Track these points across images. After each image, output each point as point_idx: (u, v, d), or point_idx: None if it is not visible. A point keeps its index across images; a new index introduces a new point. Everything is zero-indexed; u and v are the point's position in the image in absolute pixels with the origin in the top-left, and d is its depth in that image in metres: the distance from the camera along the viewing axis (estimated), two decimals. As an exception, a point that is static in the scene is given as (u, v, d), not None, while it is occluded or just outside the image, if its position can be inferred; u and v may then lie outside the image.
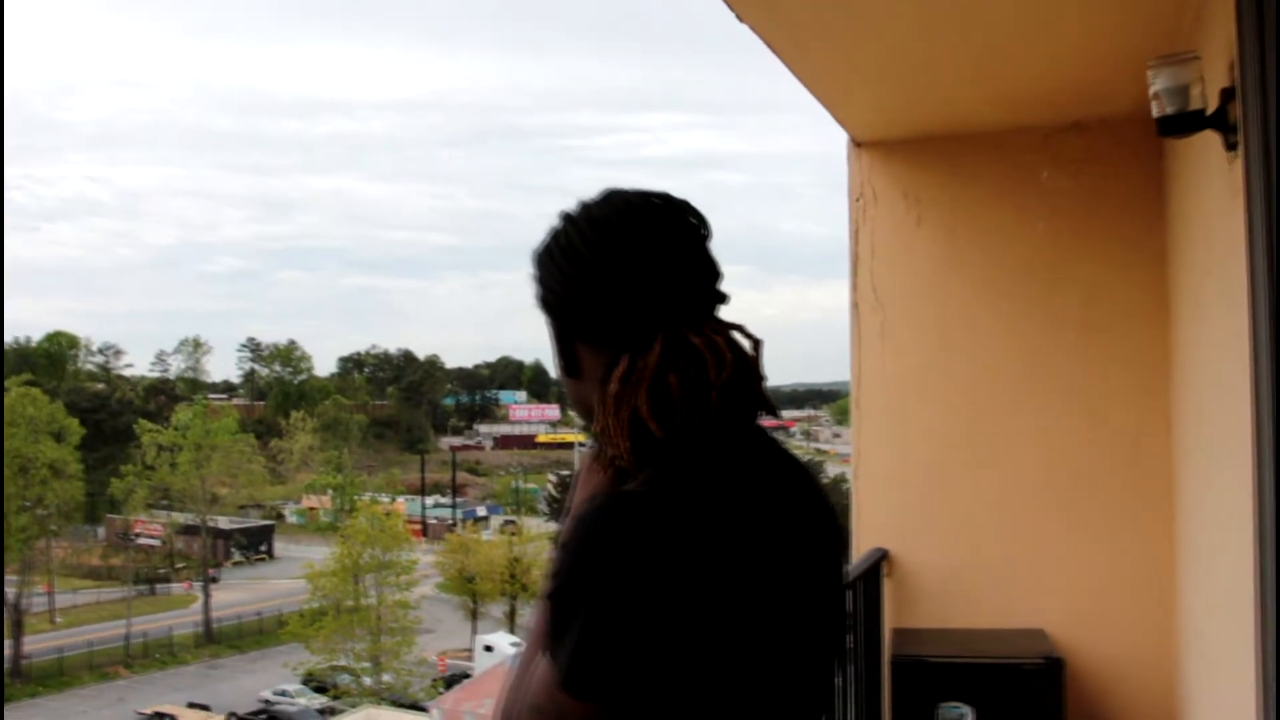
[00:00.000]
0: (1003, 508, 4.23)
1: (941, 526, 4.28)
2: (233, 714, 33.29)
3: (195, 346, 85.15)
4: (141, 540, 52.32)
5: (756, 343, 1.31)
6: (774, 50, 3.41)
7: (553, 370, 1.38)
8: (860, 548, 4.26)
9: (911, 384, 4.36)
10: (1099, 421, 4.13)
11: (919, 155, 4.43)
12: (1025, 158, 4.27)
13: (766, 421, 1.34)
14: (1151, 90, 2.73)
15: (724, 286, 1.32)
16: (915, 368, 4.35)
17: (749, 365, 1.29)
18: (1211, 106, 2.60)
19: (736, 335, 1.30)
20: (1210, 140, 2.63)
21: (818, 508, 1.32)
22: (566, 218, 1.32)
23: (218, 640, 43.39)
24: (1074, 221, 4.21)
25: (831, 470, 49.85)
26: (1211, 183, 2.81)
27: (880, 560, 4.14)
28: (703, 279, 1.30)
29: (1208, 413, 3.13)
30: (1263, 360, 2.00)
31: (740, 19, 3.12)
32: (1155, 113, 2.73)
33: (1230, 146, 2.47)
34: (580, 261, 1.28)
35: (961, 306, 4.34)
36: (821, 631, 1.30)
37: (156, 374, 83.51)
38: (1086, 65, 3.68)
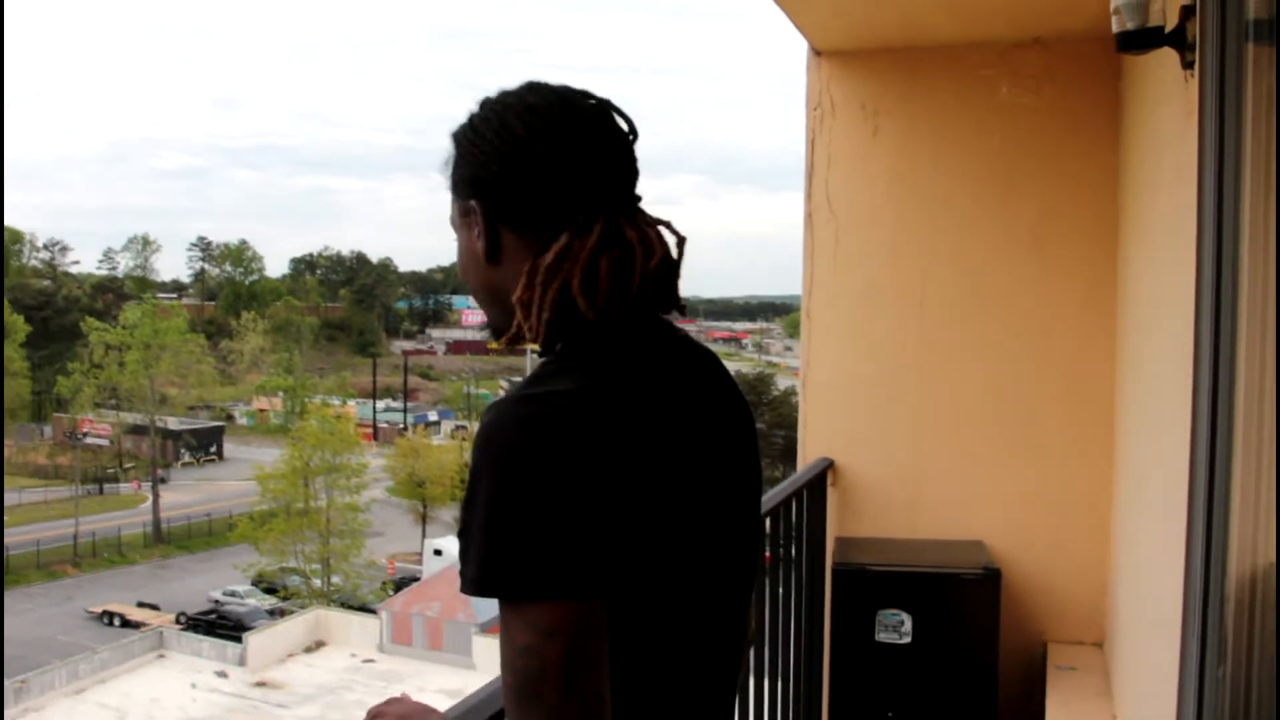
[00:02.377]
0: (948, 421, 4.28)
1: (887, 438, 4.33)
2: (182, 614, 33.44)
3: (144, 244, 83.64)
4: (89, 440, 51.89)
5: (681, 240, 1.35)
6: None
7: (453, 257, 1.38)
8: (806, 457, 4.30)
9: (862, 296, 4.37)
10: (1045, 338, 4.18)
11: (878, 66, 4.38)
12: (983, 72, 4.24)
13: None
14: (1112, 5, 2.70)
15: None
16: (866, 280, 4.36)
17: (672, 261, 1.32)
18: (1171, 24, 2.58)
19: (664, 230, 1.33)
20: (1168, 58, 2.62)
21: (729, 398, 1.37)
22: (495, 103, 1.32)
23: (167, 541, 43.40)
24: (1029, 138, 4.20)
25: (782, 383, 50.31)
26: (1167, 102, 2.81)
27: (825, 469, 4.19)
28: (630, 176, 1.32)
29: (1150, 332, 3.17)
30: (1206, 281, 2.02)
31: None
32: (1115, 28, 2.70)
33: (1187, 65, 2.45)
34: (519, 143, 1.27)
35: (915, 219, 4.33)
36: (739, 521, 1.34)
37: (104, 272, 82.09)
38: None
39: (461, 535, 1.15)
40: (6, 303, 47.77)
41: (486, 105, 1.32)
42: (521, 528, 1.10)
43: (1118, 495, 3.96)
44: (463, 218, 1.34)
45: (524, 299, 1.25)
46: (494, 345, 1.36)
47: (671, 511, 1.20)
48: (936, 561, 3.93)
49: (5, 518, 44.25)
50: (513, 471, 1.11)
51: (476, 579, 1.11)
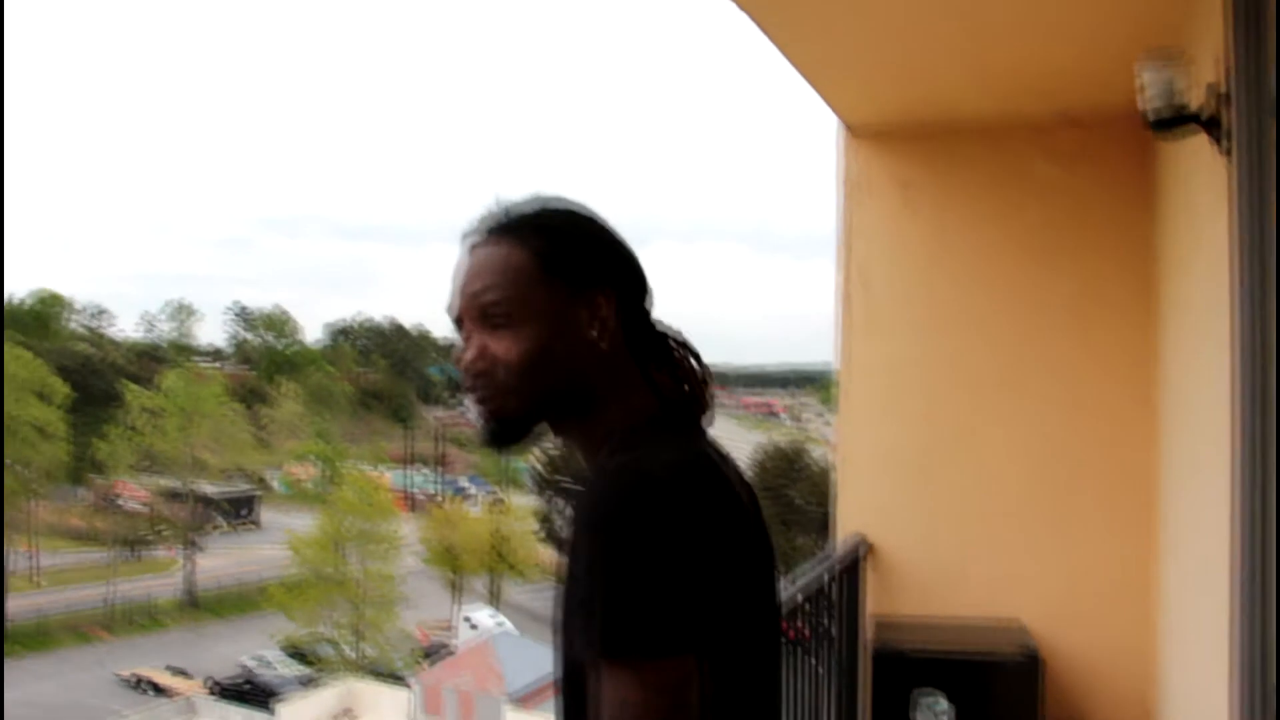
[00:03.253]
0: (985, 498, 4.24)
1: (924, 515, 4.29)
2: (212, 679, 33.32)
3: (183, 310, 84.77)
4: (125, 504, 52.16)
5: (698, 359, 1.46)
6: (769, 36, 3.41)
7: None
8: (842, 534, 4.27)
9: (897, 372, 4.36)
10: (1083, 415, 4.15)
11: (911, 143, 4.42)
12: (1017, 149, 4.28)
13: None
14: (1139, 86, 2.73)
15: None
16: (901, 355, 4.35)
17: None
18: (1198, 102, 2.60)
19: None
20: (1203, 142, 2.64)
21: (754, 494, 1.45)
22: (563, 203, 1.41)
23: (200, 606, 43.39)
24: (1064, 214, 4.22)
25: (816, 453, 49.94)
26: (1201, 182, 2.82)
27: (861, 547, 4.15)
28: None
29: (1190, 411, 3.15)
30: (1244, 363, 2.01)
31: (739, 6, 3.11)
32: (1141, 106, 2.73)
33: (1219, 146, 2.47)
34: (622, 241, 1.41)
35: (949, 295, 4.34)
36: (776, 589, 1.41)
37: (144, 337, 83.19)
38: (1078, 55, 3.67)
39: (580, 603, 1.18)
40: (48, 366, 48.29)
41: (558, 203, 1.40)
42: (643, 590, 1.15)
43: (1161, 576, 3.89)
44: (567, 308, 1.35)
45: (616, 382, 1.36)
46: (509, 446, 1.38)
47: (746, 575, 1.28)
48: (976, 644, 3.86)
49: (42, 581, 44.55)
50: (632, 536, 1.17)
51: (604, 642, 1.15)
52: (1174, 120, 2.69)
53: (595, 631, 1.15)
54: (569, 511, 1.24)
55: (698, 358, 1.43)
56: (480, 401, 1.35)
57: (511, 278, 1.34)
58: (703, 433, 1.39)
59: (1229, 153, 2.33)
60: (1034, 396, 4.20)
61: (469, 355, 1.35)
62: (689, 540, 1.18)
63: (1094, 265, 4.17)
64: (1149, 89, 2.73)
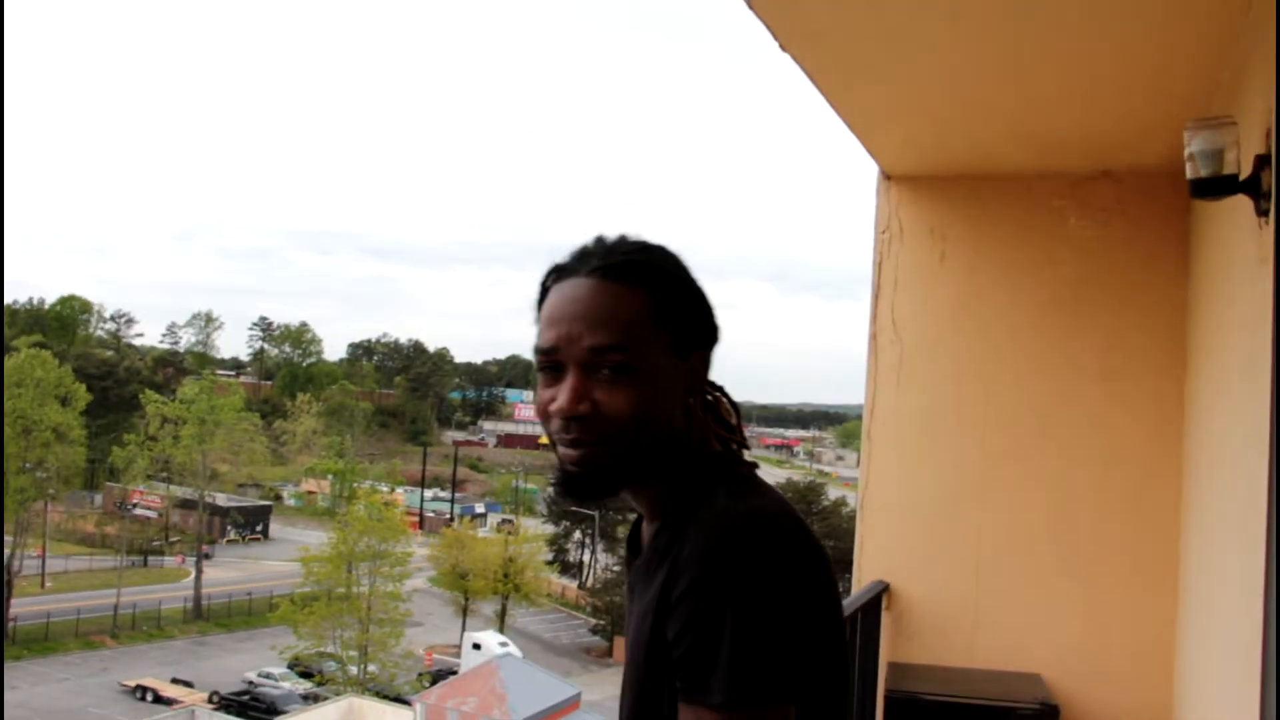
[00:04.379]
0: (1007, 549, 4.24)
1: (944, 563, 4.29)
2: (215, 693, 33.30)
3: (207, 321, 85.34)
4: (138, 511, 52.38)
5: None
6: (814, 82, 3.45)
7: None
8: (862, 579, 4.27)
9: (924, 419, 4.37)
10: (1109, 470, 4.15)
11: (947, 192, 4.45)
12: (1053, 202, 4.29)
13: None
14: (1187, 152, 2.74)
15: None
16: (929, 403, 4.37)
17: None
18: (1245, 171, 2.62)
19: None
20: (1241, 204, 2.65)
21: None
22: (667, 251, 1.39)
23: (207, 617, 43.43)
24: (1098, 269, 4.23)
25: (833, 493, 49.79)
26: (1240, 246, 2.83)
27: (881, 592, 4.15)
28: None
29: (1220, 473, 3.14)
30: (1281, 428, 2.02)
31: (783, 48, 3.15)
32: (1189, 174, 2.74)
33: (1262, 213, 2.49)
34: (694, 284, 1.39)
35: (980, 345, 4.35)
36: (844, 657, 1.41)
37: (166, 345, 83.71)
38: (1121, 117, 3.70)
39: (702, 651, 1.19)
40: (70, 370, 48.61)
41: (659, 248, 1.39)
42: (768, 640, 1.18)
43: (1181, 636, 3.88)
44: (673, 366, 1.34)
45: (693, 436, 1.37)
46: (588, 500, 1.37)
47: (834, 622, 1.33)
48: (992, 694, 3.85)
49: (50, 584, 44.65)
50: (755, 585, 1.20)
51: (730, 690, 1.17)
52: (1216, 184, 2.71)
53: (716, 678, 1.17)
54: (666, 553, 1.27)
55: (732, 400, 1.46)
56: (575, 449, 1.31)
57: (629, 327, 1.31)
58: (759, 477, 1.38)
59: (1270, 217, 2.34)
60: (1061, 449, 4.20)
61: (570, 401, 1.29)
62: (804, 590, 1.24)
63: (1126, 320, 4.17)
64: (1196, 153, 2.75)
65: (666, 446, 1.34)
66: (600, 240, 1.37)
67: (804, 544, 1.27)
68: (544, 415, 1.33)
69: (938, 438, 4.35)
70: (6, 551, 39.89)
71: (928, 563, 4.29)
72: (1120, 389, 4.15)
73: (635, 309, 1.31)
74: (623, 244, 1.37)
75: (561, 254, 1.38)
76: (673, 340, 1.33)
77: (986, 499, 4.26)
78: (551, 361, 1.32)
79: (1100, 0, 2.81)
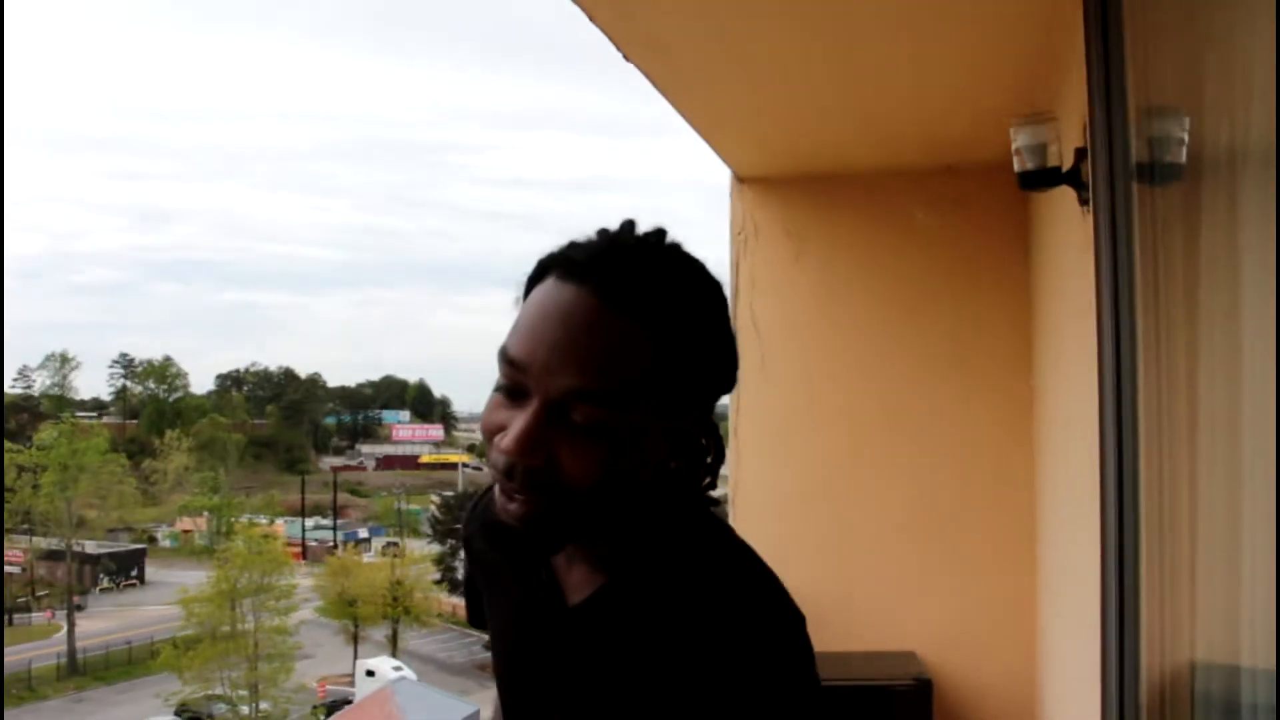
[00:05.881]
0: (876, 537, 4.38)
1: (816, 553, 4.41)
2: (98, 747, 32.06)
3: (63, 362, 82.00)
4: None
5: None
6: (659, 89, 3.51)
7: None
8: (740, 575, 4.35)
9: (789, 415, 4.49)
10: (966, 453, 4.32)
11: (799, 192, 4.58)
12: (900, 199, 4.45)
13: None
14: (1014, 146, 2.90)
15: None
16: (793, 400, 4.49)
17: None
18: (1067, 164, 2.78)
19: None
20: (1067, 194, 2.81)
21: None
22: (682, 258, 1.14)
23: (83, 672, 41.64)
24: (945, 262, 4.40)
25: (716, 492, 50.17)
26: (1068, 234, 3.00)
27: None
28: None
29: (1064, 456, 3.31)
30: (1108, 405, 2.16)
31: (626, 58, 3.20)
32: (1017, 167, 2.90)
33: (1084, 203, 2.65)
34: (720, 327, 1.15)
35: (837, 341, 4.49)
36: None
37: (19, 390, 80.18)
38: (956, 114, 3.86)
39: None
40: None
41: (692, 272, 1.13)
42: None
43: (1042, 604, 4.07)
44: (659, 432, 1.12)
45: (631, 498, 1.14)
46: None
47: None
48: (869, 674, 3.98)
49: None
50: (790, 684, 1.13)
51: None
52: (1041, 176, 2.87)
53: None
54: (652, 627, 1.14)
55: (719, 442, 1.24)
56: (515, 504, 1.10)
57: (622, 374, 1.06)
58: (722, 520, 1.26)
59: (1090, 206, 2.49)
60: (919, 438, 4.37)
61: (521, 447, 1.06)
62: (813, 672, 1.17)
63: (973, 311, 4.35)
64: (1022, 147, 2.91)
65: (627, 507, 1.13)
66: (618, 241, 1.12)
67: (798, 616, 1.19)
68: (489, 439, 1.11)
69: (803, 433, 4.48)
70: None
71: (801, 554, 4.40)
72: (972, 377, 4.33)
73: (634, 351, 1.06)
74: (645, 255, 1.11)
75: (571, 236, 1.13)
76: (669, 400, 1.10)
77: (853, 490, 4.40)
78: (512, 379, 1.08)
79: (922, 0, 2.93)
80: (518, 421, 1.06)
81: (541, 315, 1.07)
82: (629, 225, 1.13)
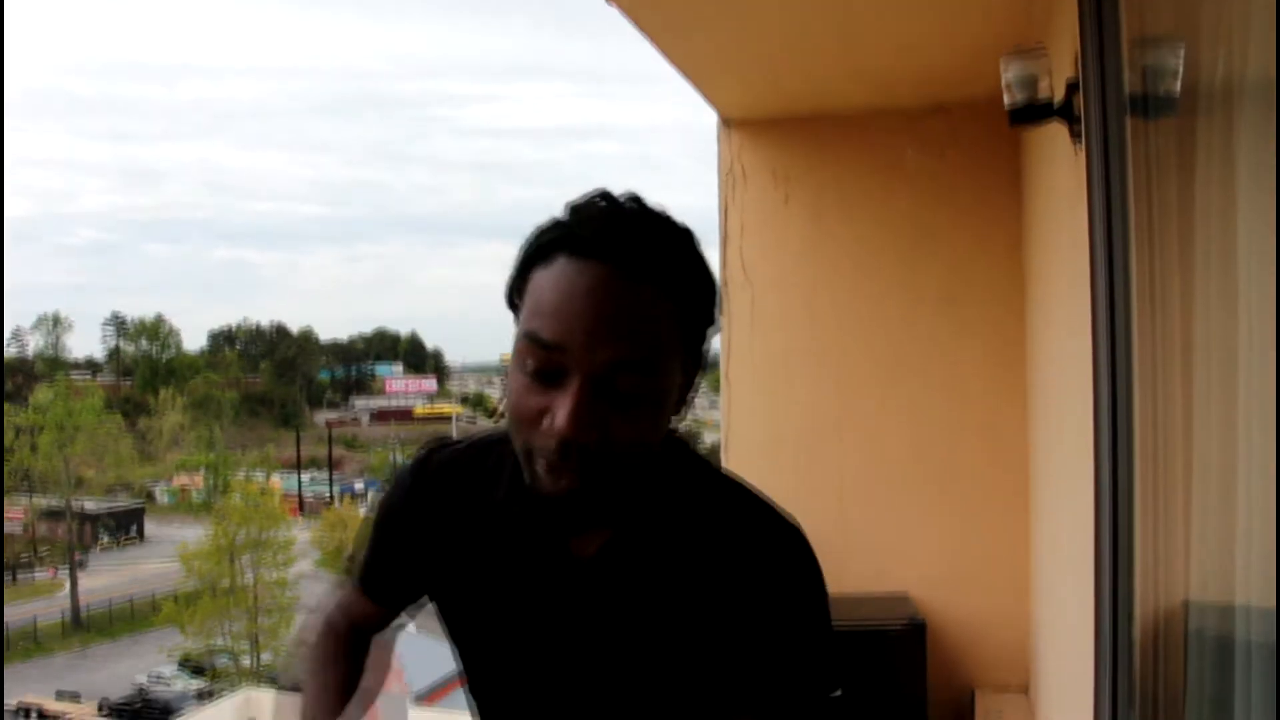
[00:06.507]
0: (868, 477, 4.38)
1: (810, 496, 4.40)
2: (105, 701, 32.33)
3: (55, 323, 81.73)
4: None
5: None
6: (643, 32, 3.45)
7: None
8: (733, 520, 4.35)
9: (780, 359, 4.47)
10: (959, 394, 4.31)
11: (787, 135, 4.52)
12: (890, 139, 4.40)
13: None
14: (1004, 81, 2.85)
15: None
16: (784, 343, 4.46)
17: None
18: (1059, 97, 2.73)
19: None
20: (1058, 130, 2.76)
21: None
22: (676, 226, 1.19)
23: (87, 627, 41.97)
24: (936, 201, 4.36)
25: (708, 438, 50.47)
26: (1060, 170, 2.95)
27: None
28: None
29: (1056, 389, 3.30)
30: (1101, 344, 2.13)
31: (609, 2, 3.14)
32: (1007, 103, 2.85)
33: (1075, 136, 2.60)
34: (715, 282, 1.24)
35: (828, 283, 4.46)
36: None
37: (13, 352, 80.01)
38: (947, 50, 3.80)
39: (801, 653, 1.25)
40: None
41: (687, 237, 1.19)
42: (832, 629, 1.27)
43: (1035, 543, 4.07)
44: (681, 388, 1.20)
45: (653, 438, 1.20)
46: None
47: None
48: (863, 616, 4.00)
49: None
50: (821, 585, 1.27)
51: (832, 679, 1.26)
52: (1032, 110, 2.81)
53: (819, 669, 1.25)
54: (685, 551, 1.24)
55: None
56: (570, 483, 1.13)
57: (657, 340, 1.13)
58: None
59: (1083, 141, 2.45)
60: (912, 380, 4.35)
61: (576, 426, 1.10)
62: None
63: (965, 250, 4.32)
64: (1012, 81, 2.85)
65: (649, 460, 1.21)
66: (619, 212, 1.16)
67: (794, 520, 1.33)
68: (528, 423, 1.13)
69: (793, 375, 4.46)
70: None
71: (794, 497, 4.32)
72: (964, 316, 4.30)
73: (664, 317, 1.13)
74: (645, 221, 1.16)
75: (562, 213, 1.17)
76: (689, 354, 1.18)
77: (844, 431, 4.39)
78: (548, 362, 1.11)
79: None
80: (565, 402, 1.10)
81: (569, 296, 1.10)
82: (608, 194, 1.17)
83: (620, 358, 1.10)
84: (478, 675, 1.39)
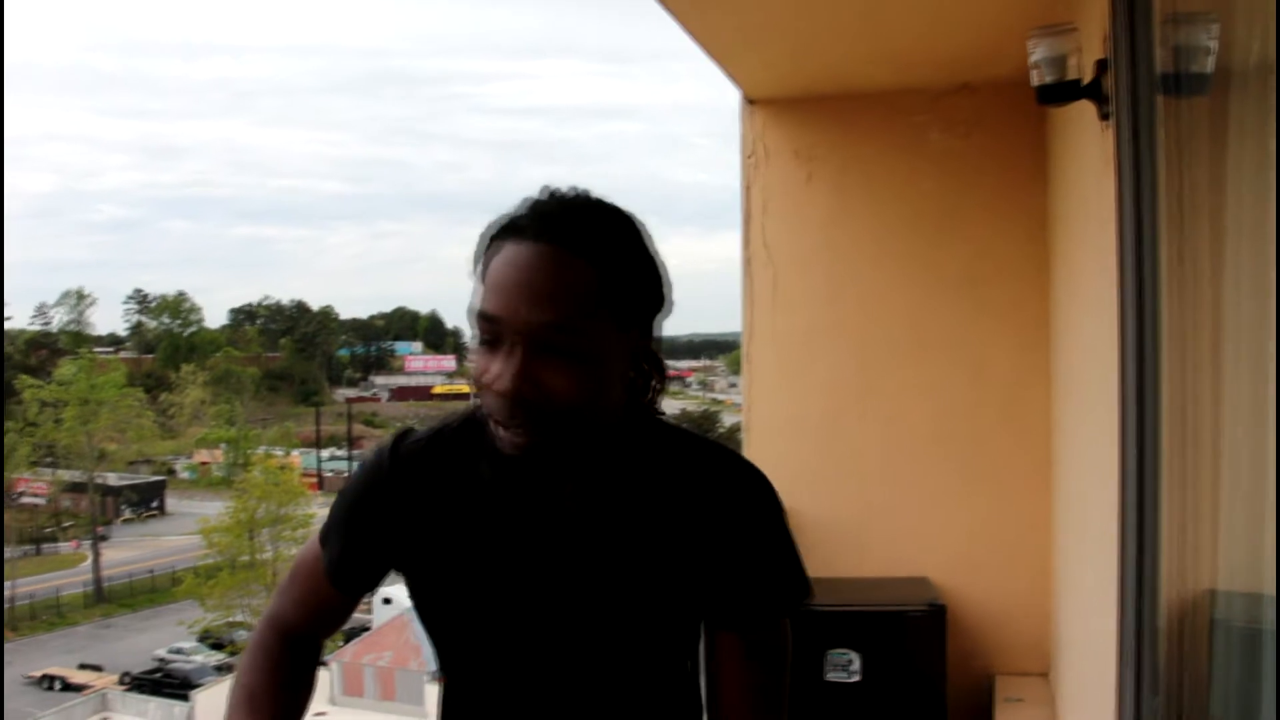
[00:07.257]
0: (891, 459, 4.35)
1: (831, 478, 4.39)
2: (126, 674, 32.67)
3: (79, 299, 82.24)
4: (25, 499, 50.66)
5: None
6: (667, 9, 3.42)
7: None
8: (752, 500, 4.34)
9: (802, 339, 4.44)
10: (982, 375, 4.27)
11: (810, 113, 4.48)
12: (914, 118, 4.35)
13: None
14: (1031, 60, 2.81)
15: None
16: (806, 323, 4.43)
17: None
18: (1087, 76, 2.69)
19: None
20: (1086, 109, 2.72)
21: None
22: (623, 216, 1.36)
23: (109, 599, 42.41)
24: (960, 181, 4.31)
25: (728, 420, 50.51)
26: (1087, 150, 2.91)
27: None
28: None
29: (1080, 371, 3.27)
30: (1128, 326, 2.10)
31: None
32: (1035, 81, 2.81)
33: (1104, 116, 2.56)
34: (647, 255, 1.37)
35: (851, 263, 4.43)
36: None
37: (37, 327, 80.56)
38: (973, 28, 3.75)
39: (776, 568, 1.46)
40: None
41: (612, 210, 1.35)
42: (796, 547, 1.48)
43: (1057, 528, 4.04)
44: (617, 345, 1.33)
45: (604, 406, 1.36)
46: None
47: None
48: (883, 599, 3.98)
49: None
50: (781, 510, 1.46)
51: (806, 591, 1.49)
52: (1060, 89, 2.78)
53: (794, 584, 1.47)
54: (659, 501, 1.39)
55: (661, 363, 1.48)
56: (517, 435, 1.29)
57: (580, 303, 1.27)
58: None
59: (1111, 120, 2.41)
60: (936, 359, 4.31)
61: (512, 381, 1.26)
62: None
63: (989, 231, 4.28)
64: (1040, 60, 2.82)
65: (606, 420, 1.37)
66: (552, 199, 1.32)
67: None
68: (480, 386, 1.30)
69: (815, 356, 4.43)
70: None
71: (815, 479, 4.39)
72: (988, 296, 4.27)
73: (588, 282, 1.27)
74: (577, 206, 1.32)
75: (508, 206, 1.33)
76: (618, 317, 1.31)
77: (866, 412, 4.36)
78: (492, 332, 1.28)
79: (940, -87, 2.83)
80: (502, 362, 1.27)
81: (507, 272, 1.27)
82: (553, 189, 1.33)
83: (550, 319, 1.25)
84: (467, 647, 1.46)
